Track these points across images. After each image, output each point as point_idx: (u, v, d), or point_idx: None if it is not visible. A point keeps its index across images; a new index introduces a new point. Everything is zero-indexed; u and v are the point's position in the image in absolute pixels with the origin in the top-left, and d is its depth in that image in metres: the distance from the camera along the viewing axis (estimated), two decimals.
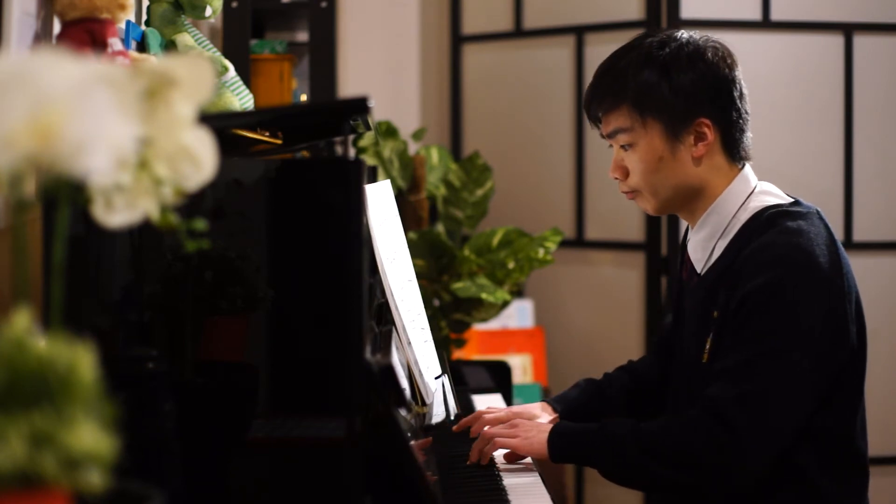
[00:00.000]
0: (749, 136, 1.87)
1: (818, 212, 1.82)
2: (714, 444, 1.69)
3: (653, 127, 1.82)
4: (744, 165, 1.88)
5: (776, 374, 1.69)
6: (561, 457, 1.81)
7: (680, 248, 2.04)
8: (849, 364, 1.77)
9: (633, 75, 1.83)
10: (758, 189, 1.86)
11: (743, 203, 1.84)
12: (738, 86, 1.85)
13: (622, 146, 1.86)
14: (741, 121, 1.85)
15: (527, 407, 1.98)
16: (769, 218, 1.79)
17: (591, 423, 1.81)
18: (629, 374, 2.09)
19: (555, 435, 1.80)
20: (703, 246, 1.87)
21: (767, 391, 1.69)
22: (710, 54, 1.83)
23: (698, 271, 1.88)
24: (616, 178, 1.90)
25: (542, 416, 1.96)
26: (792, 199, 1.85)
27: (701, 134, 1.82)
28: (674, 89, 1.81)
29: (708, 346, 1.79)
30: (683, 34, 1.86)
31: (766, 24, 3.35)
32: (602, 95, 1.87)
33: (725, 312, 1.76)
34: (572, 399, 2.03)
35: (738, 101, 1.84)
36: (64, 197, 0.76)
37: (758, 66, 3.34)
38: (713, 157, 1.84)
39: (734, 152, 1.86)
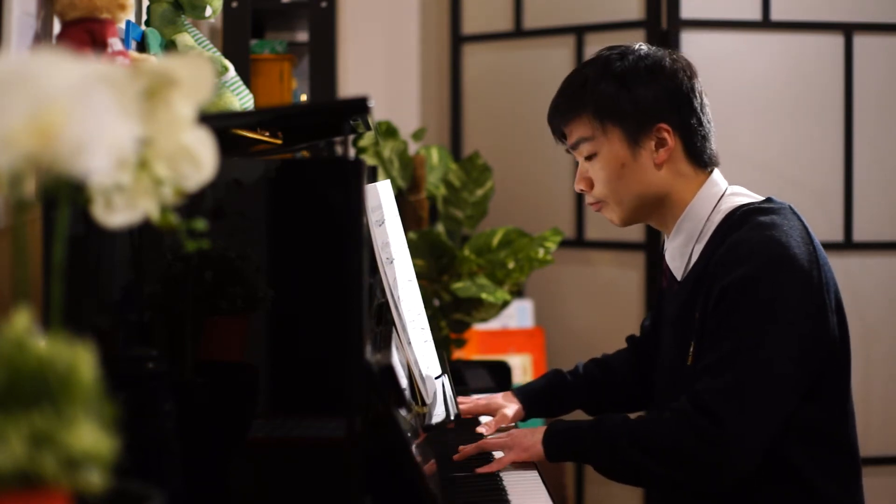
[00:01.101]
0: (713, 144, 1.89)
1: (791, 207, 1.84)
2: (703, 438, 1.70)
3: (613, 133, 1.85)
4: (711, 171, 1.90)
5: (756, 367, 1.70)
6: (557, 456, 1.83)
7: (660, 257, 2.06)
8: (831, 356, 1.78)
9: (592, 85, 1.86)
10: (728, 191, 1.88)
11: (715, 206, 1.86)
12: (697, 96, 1.87)
13: (586, 157, 1.89)
14: (703, 129, 1.87)
15: (491, 398, 2.06)
16: (742, 215, 1.81)
17: (586, 420, 1.83)
18: (600, 367, 2.13)
19: (549, 434, 1.82)
20: (681, 252, 1.88)
21: (748, 384, 1.70)
22: (667, 66, 1.86)
23: (678, 278, 1.90)
24: (582, 191, 1.92)
25: (507, 405, 2.02)
26: (764, 198, 1.86)
27: (662, 140, 1.84)
28: (633, 99, 1.84)
29: (692, 349, 1.80)
30: (642, 47, 1.89)
31: (766, 24, 3.35)
32: (563, 107, 1.91)
33: (705, 312, 1.77)
34: (537, 390, 2.08)
35: (698, 111, 1.86)
36: (64, 197, 0.76)
37: (758, 66, 3.34)
38: (677, 163, 1.86)
39: (698, 159, 1.87)
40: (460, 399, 2.05)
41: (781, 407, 1.73)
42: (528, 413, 2.07)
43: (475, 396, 2.11)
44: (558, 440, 1.81)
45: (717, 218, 1.84)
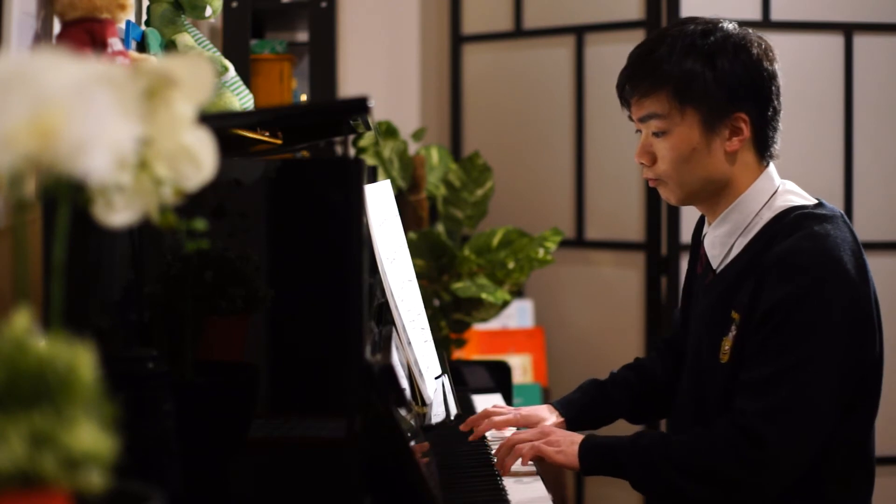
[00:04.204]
0: (779, 136, 1.85)
1: (842, 215, 1.80)
2: (745, 461, 1.67)
3: (691, 116, 1.79)
4: (768, 163, 1.86)
5: (805, 386, 1.67)
6: (592, 470, 1.79)
7: (692, 241, 2.02)
8: (872, 370, 1.76)
9: (676, 62, 1.79)
10: (781, 188, 1.84)
11: (767, 202, 1.81)
12: (777, 82, 1.83)
13: (654, 133, 1.82)
14: (775, 119, 1.84)
15: (534, 409, 1.97)
16: (795, 220, 1.76)
17: (623, 437, 1.79)
18: (635, 372, 2.07)
19: (585, 448, 1.78)
20: (723, 242, 1.84)
21: (797, 405, 1.67)
22: (754, 48, 1.81)
23: (714, 267, 1.86)
24: (642, 164, 1.85)
25: (549, 417, 1.95)
26: (816, 201, 1.82)
27: (737, 129, 1.80)
28: (718, 79, 1.78)
29: (728, 347, 1.76)
30: (728, 24, 1.84)
31: (766, 24, 3.35)
32: (640, 79, 1.82)
33: (749, 315, 1.73)
34: (576, 402, 2.01)
35: (775, 99, 1.83)
36: (64, 197, 0.76)
37: None
38: (744, 153, 1.82)
39: (764, 150, 1.83)
40: (497, 409, 1.98)
41: (822, 428, 1.70)
42: (569, 426, 1.99)
43: (513, 408, 1.99)
44: (595, 455, 1.77)
45: (767, 215, 1.80)
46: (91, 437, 0.71)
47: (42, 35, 1.52)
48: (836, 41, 3.36)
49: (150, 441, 1.24)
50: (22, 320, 0.73)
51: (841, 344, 1.69)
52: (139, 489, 0.81)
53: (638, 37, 3.35)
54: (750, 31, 1.85)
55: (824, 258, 1.70)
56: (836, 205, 3.29)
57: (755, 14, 3.35)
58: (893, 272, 3.34)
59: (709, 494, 1.71)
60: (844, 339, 1.70)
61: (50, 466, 0.70)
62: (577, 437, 1.80)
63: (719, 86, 1.78)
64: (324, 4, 2.88)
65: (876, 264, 3.47)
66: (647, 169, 1.85)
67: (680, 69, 1.78)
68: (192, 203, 0.99)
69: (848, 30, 3.35)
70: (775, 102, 1.83)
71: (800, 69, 3.35)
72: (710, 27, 1.83)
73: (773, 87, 1.82)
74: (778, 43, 3.33)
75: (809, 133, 3.35)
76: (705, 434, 1.73)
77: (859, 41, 3.36)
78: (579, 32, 3.55)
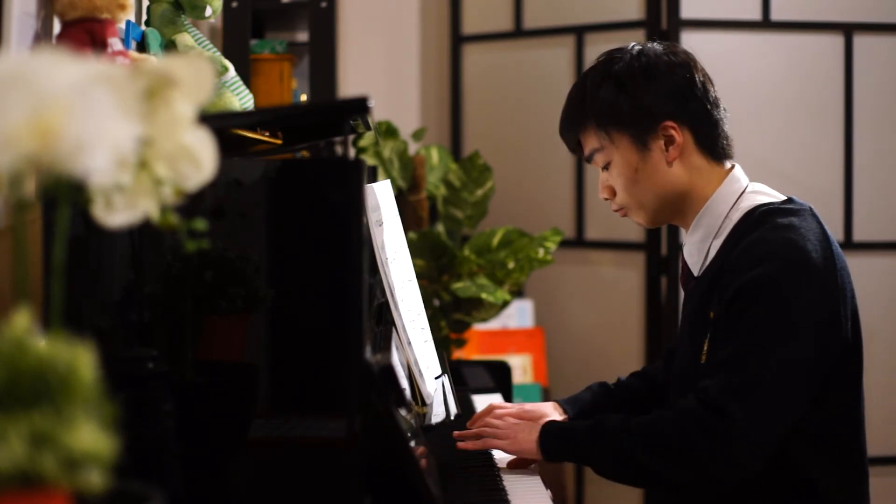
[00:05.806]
0: (726, 131, 1.87)
1: (811, 209, 1.82)
2: (710, 435, 1.67)
3: (620, 140, 1.85)
4: (732, 166, 1.88)
5: (770, 366, 1.68)
6: (553, 455, 1.80)
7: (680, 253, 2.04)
8: (843, 361, 1.77)
9: (591, 96, 1.87)
10: (749, 189, 1.86)
11: (734, 203, 1.84)
12: (698, 86, 1.84)
13: (603, 167, 1.89)
14: (711, 117, 1.85)
15: (538, 406, 1.98)
16: (760, 215, 1.79)
17: (583, 420, 1.81)
18: (642, 379, 2.09)
19: (545, 434, 1.80)
20: (699, 248, 1.87)
21: (762, 383, 1.68)
22: (662, 66, 1.84)
23: (695, 274, 1.88)
24: (606, 199, 1.92)
25: (553, 415, 1.96)
26: (785, 198, 1.85)
27: (670, 137, 1.83)
28: (632, 104, 1.83)
29: (706, 347, 1.77)
30: (636, 46, 1.88)
31: (766, 24, 3.35)
32: (569, 122, 1.92)
33: (720, 310, 1.75)
34: (583, 401, 2.03)
35: (702, 100, 1.84)
36: (64, 197, 0.76)
37: (758, 65, 3.34)
38: (690, 157, 1.85)
39: (712, 150, 1.86)
40: (503, 405, 2.00)
41: (791, 409, 1.71)
42: None
43: (520, 404, 2.00)
44: (556, 440, 1.79)
45: (736, 216, 1.82)
46: (91, 437, 0.71)
47: (42, 35, 1.52)
48: (835, 41, 3.36)
49: (150, 441, 1.24)
50: (22, 320, 0.73)
51: (805, 330, 1.70)
52: (139, 489, 0.81)
53: (638, 37, 3.36)
54: (657, 44, 1.89)
55: (788, 246, 1.73)
56: (836, 205, 3.33)
57: (755, 14, 3.35)
58: (893, 272, 3.34)
59: (675, 472, 1.70)
60: (808, 326, 1.71)
61: (50, 466, 0.70)
62: (536, 426, 1.82)
63: (635, 109, 1.83)
64: (324, 4, 2.88)
65: (876, 264, 3.49)
66: (611, 202, 1.92)
67: (594, 102, 1.86)
68: (192, 203, 1.00)
69: (848, 30, 3.35)
70: (704, 103, 1.85)
71: (799, 69, 3.36)
72: (619, 54, 1.88)
73: (695, 92, 1.84)
74: (778, 43, 3.36)
75: (809, 133, 3.36)
76: (669, 412, 1.74)
77: (859, 41, 3.36)
78: (579, 32, 3.55)
